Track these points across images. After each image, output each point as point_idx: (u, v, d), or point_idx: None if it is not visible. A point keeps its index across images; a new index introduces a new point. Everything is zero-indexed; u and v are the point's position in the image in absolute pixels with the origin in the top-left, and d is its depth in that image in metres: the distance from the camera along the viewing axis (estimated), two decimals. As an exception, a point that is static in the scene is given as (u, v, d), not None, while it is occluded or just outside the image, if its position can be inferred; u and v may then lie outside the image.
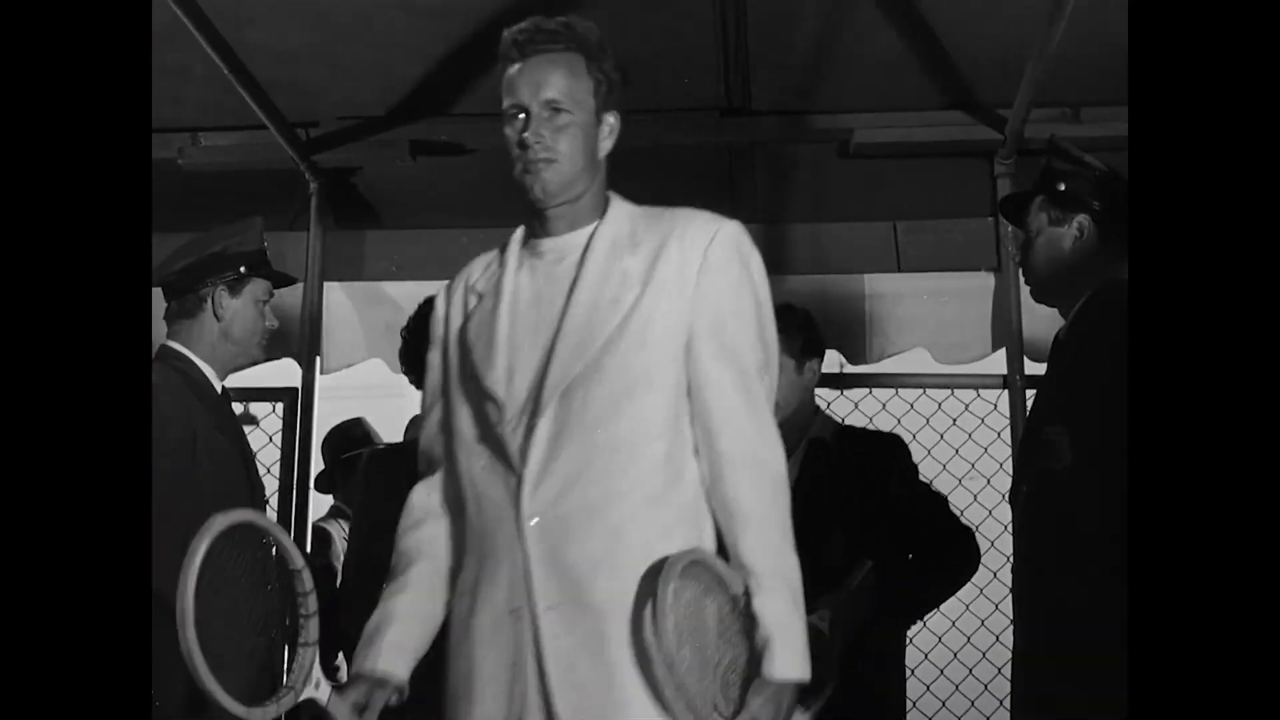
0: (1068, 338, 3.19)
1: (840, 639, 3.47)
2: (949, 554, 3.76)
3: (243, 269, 3.47)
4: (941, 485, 4.66)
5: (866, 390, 4.75)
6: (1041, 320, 4.29)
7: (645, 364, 2.37)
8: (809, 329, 3.84)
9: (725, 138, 4.56)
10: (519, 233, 2.56)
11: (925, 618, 4.17)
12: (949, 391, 4.80)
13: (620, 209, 2.53)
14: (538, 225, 2.50)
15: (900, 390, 4.74)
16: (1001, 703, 4.66)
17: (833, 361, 4.86)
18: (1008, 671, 3.58)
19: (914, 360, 4.83)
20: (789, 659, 2.34)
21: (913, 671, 4.59)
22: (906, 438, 4.27)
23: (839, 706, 3.42)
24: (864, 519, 3.68)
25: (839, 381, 4.71)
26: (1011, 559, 3.31)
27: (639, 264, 2.41)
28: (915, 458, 3.76)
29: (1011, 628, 3.34)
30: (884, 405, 4.67)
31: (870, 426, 4.42)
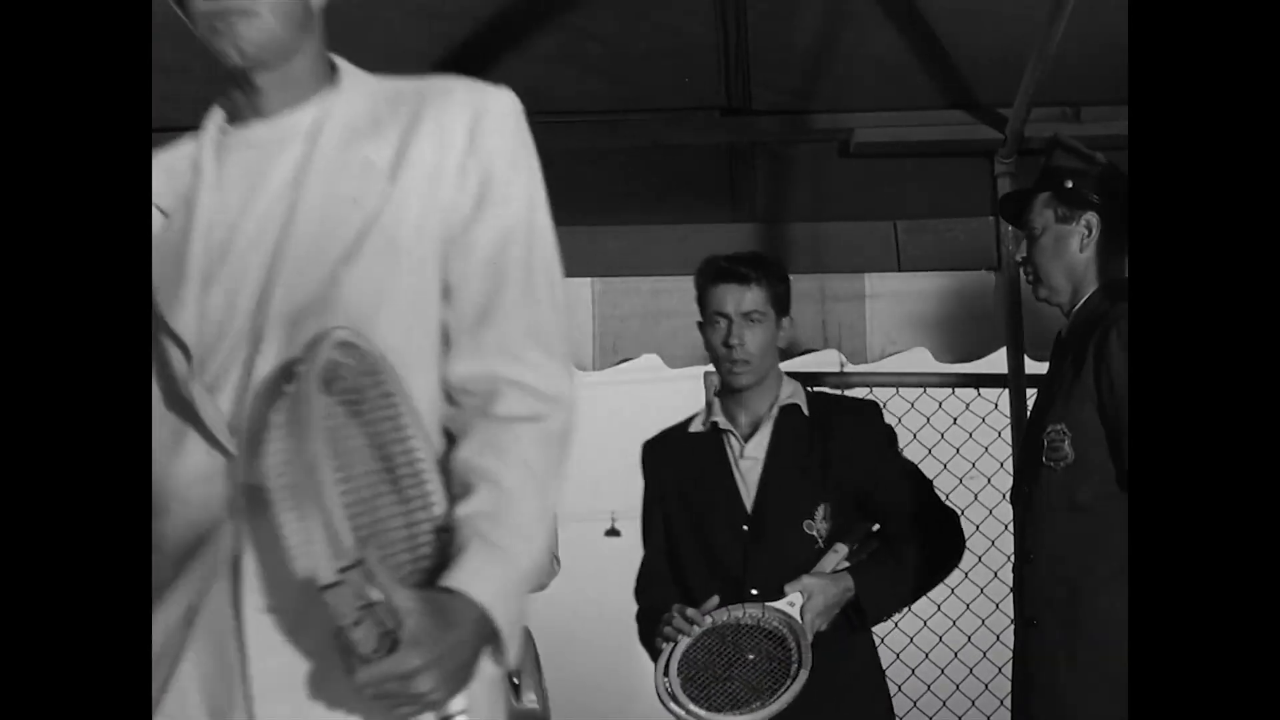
0: (1069, 336, 3.19)
1: (813, 625, 3.30)
2: (937, 539, 3.55)
3: None
4: (942, 484, 4.66)
5: (867, 389, 4.74)
6: (1042, 319, 4.28)
7: (397, 277, 1.77)
8: (786, 282, 3.61)
9: (725, 137, 4.55)
10: (214, 118, 1.97)
11: (913, 610, 4.02)
12: (950, 390, 4.81)
13: (355, 81, 1.99)
14: (242, 103, 1.92)
15: (901, 389, 4.74)
16: (1002, 702, 4.66)
17: (833, 360, 4.87)
18: (1008, 671, 3.58)
19: (915, 359, 4.83)
20: (489, 578, 1.61)
21: (913, 671, 4.60)
22: (906, 437, 4.25)
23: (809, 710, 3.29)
24: (845, 493, 3.49)
25: (840, 380, 4.71)
26: (1013, 558, 3.31)
27: (385, 151, 1.83)
28: (916, 457, 3.71)
29: (1012, 627, 3.33)
30: (885, 404, 4.66)
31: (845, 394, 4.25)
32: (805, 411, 3.55)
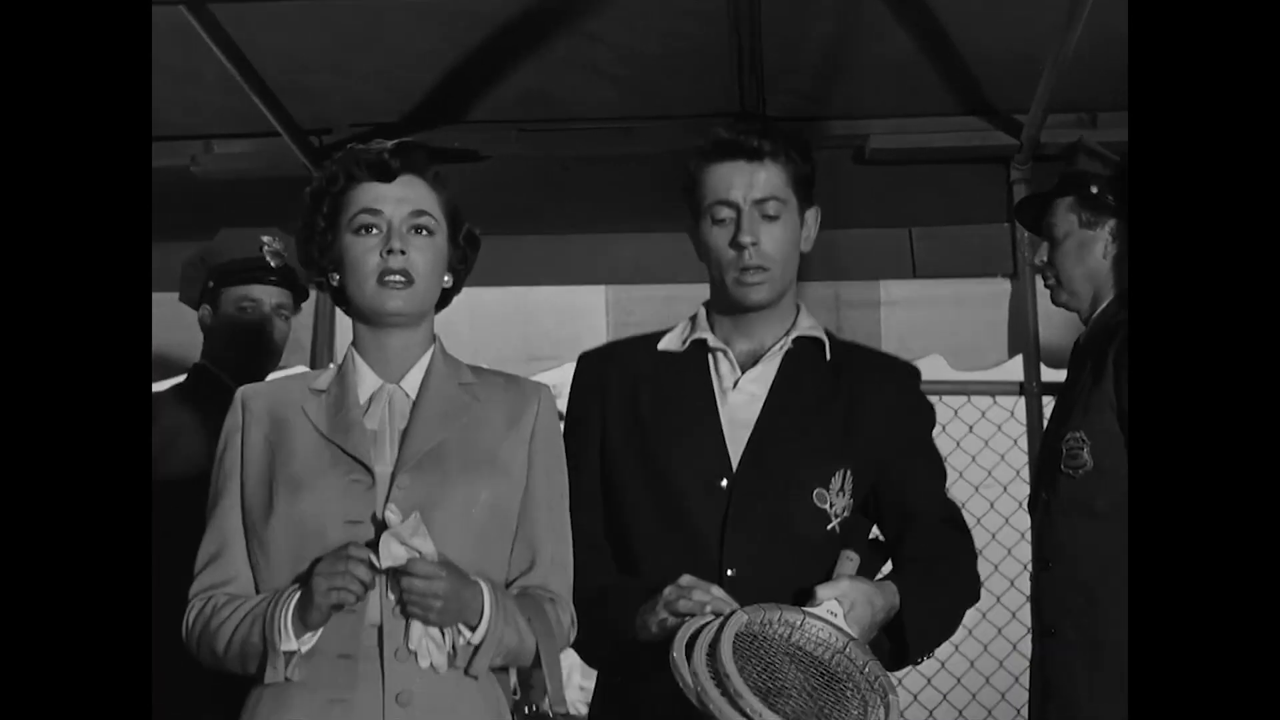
0: (1088, 344, 3.17)
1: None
2: (966, 563, 2.65)
3: (211, 284, 3.51)
4: (958, 493, 4.64)
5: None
6: (1058, 326, 4.27)
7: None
8: (810, 160, 2.68)
9: (739, 143, 4.54)
10: None
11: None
12: (965, 398, 4.78)
13: None
14: None
15: (916, 397, 4.71)
16: (1019, 711, 4.63)
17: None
18: (1026, 680, 3.55)
19: (930, 367, 4.79)
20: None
21: (929, 680, 4.56)
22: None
23: None
24: (866, 470, 2.54)
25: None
26: (1030, 567, 3.28)
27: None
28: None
29: (1029, 636, 3.31)
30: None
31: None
32: (828, 352, 2.62)
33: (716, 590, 2.32)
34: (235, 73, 3.89)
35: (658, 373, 2.61)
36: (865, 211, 4.72)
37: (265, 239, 3.53)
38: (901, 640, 2.43)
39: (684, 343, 2.62)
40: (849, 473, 2.50)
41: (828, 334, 2.65)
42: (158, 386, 3.78)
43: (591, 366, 2.71)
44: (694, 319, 2.65)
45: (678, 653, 2.22)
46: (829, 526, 2.48)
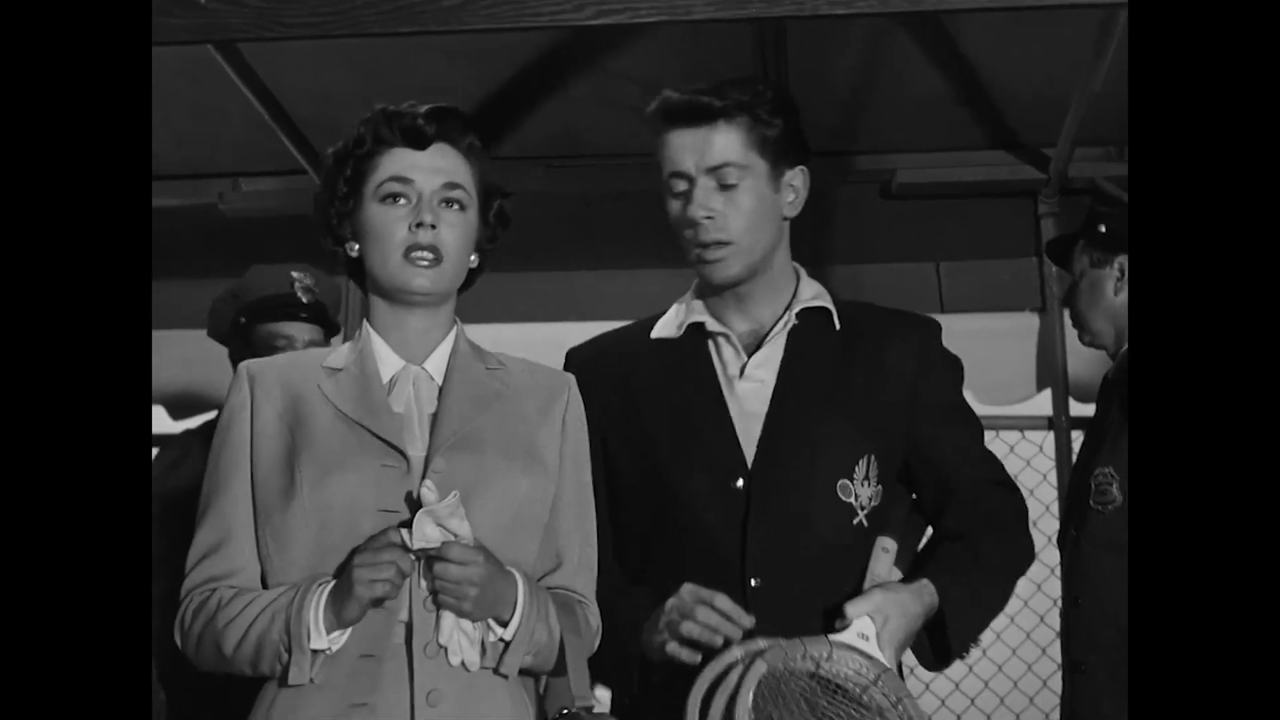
0: (1116, 379, 3.16)
1: (891, 665, 2.18)
2: (1012, 531, 2.50)
3: (242, 320, 3.51)
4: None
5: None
6: (1087, 361, 4.24)
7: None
8: (784, 113, 2.37)
9: (766, 179, 4.55)
10: None
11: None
12: (994, 433, 4.75)
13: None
14: None
15: (944, 432, 4.69)
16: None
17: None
18: (1055, 717, 3.53)
19: (958, 401, 4.78)
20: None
21: (959, 717, 4.53)
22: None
23: None
24: (892, 447, 2.37)
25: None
26: (1059, 602, 3.27)
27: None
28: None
29: (1059, 672, 3.29)
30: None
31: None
32: (836, 321, 2.40)
33: (722, 601, 2.15)
34: (263, 110, 3.92)
35: (655, 364, 2.40)
36: (892, 246, 4.72)
37: (296, 275, 3.53)
38: (944, 638, 2.29)
39: (680, 328, 2.41)
40: (873, 458, 2.31)
41: (835, 300, 2.45)
42: (189, 424, 3.79)
43: (580, 366, 2.43)
44: (686, 302, 2.45)
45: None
46: (855, 520, 2.29)
